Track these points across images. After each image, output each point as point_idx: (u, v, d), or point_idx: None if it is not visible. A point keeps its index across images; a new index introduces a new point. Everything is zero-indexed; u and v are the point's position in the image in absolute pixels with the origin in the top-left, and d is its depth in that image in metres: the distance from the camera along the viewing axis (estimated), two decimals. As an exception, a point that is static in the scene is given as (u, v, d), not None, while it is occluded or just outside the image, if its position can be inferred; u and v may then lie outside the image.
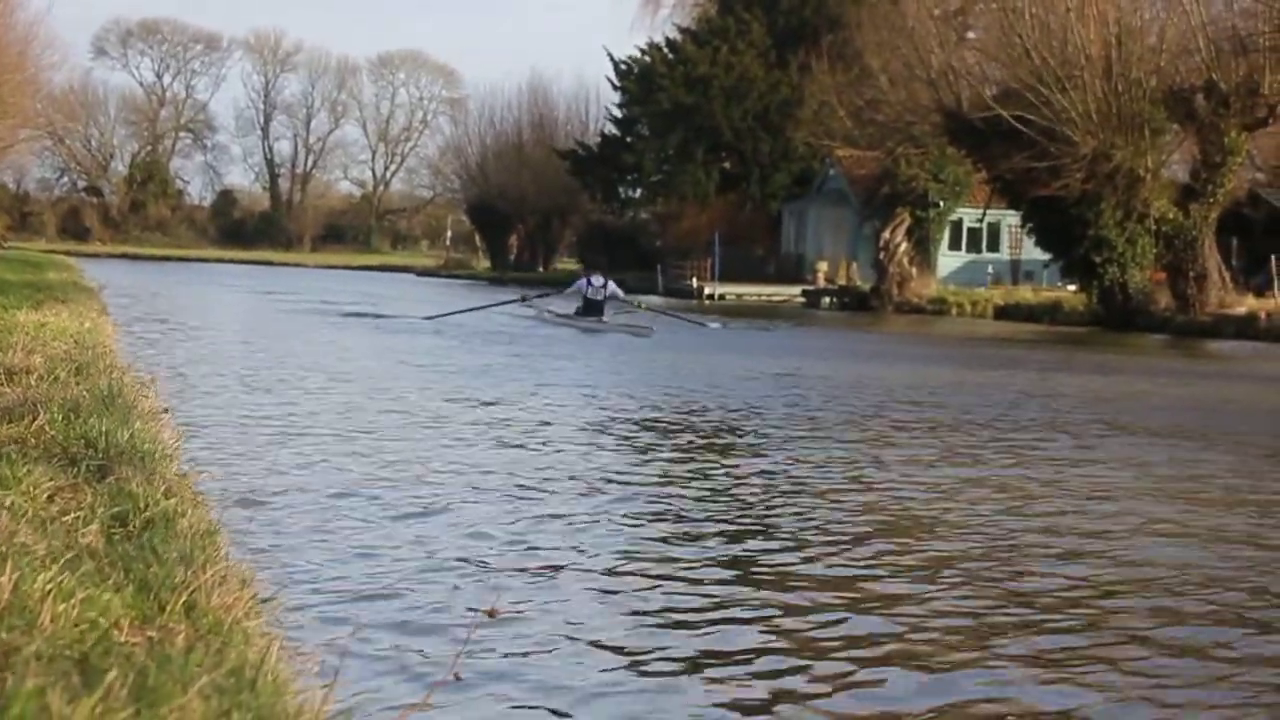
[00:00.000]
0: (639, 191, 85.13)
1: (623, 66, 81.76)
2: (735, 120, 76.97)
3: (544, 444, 12.02)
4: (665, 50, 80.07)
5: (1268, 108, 44.12)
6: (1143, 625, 6.43)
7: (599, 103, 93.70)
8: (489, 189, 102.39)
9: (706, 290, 66.57)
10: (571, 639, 5.83)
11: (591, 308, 33.65)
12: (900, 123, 55.51)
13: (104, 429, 7.21)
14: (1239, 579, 7.53)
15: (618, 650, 5.71)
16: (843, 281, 66.13)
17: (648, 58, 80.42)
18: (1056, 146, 43.90)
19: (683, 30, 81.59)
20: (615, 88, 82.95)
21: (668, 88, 77.63)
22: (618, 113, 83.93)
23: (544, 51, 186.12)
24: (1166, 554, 8.11)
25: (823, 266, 67.75)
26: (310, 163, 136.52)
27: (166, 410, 10.02)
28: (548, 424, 13.47)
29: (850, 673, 5.53)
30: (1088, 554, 8.03)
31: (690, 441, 12.47)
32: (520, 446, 11.80)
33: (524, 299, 36.00)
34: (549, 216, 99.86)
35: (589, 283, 34.42)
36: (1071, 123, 43.88)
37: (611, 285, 34.65)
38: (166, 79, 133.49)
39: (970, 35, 57.21)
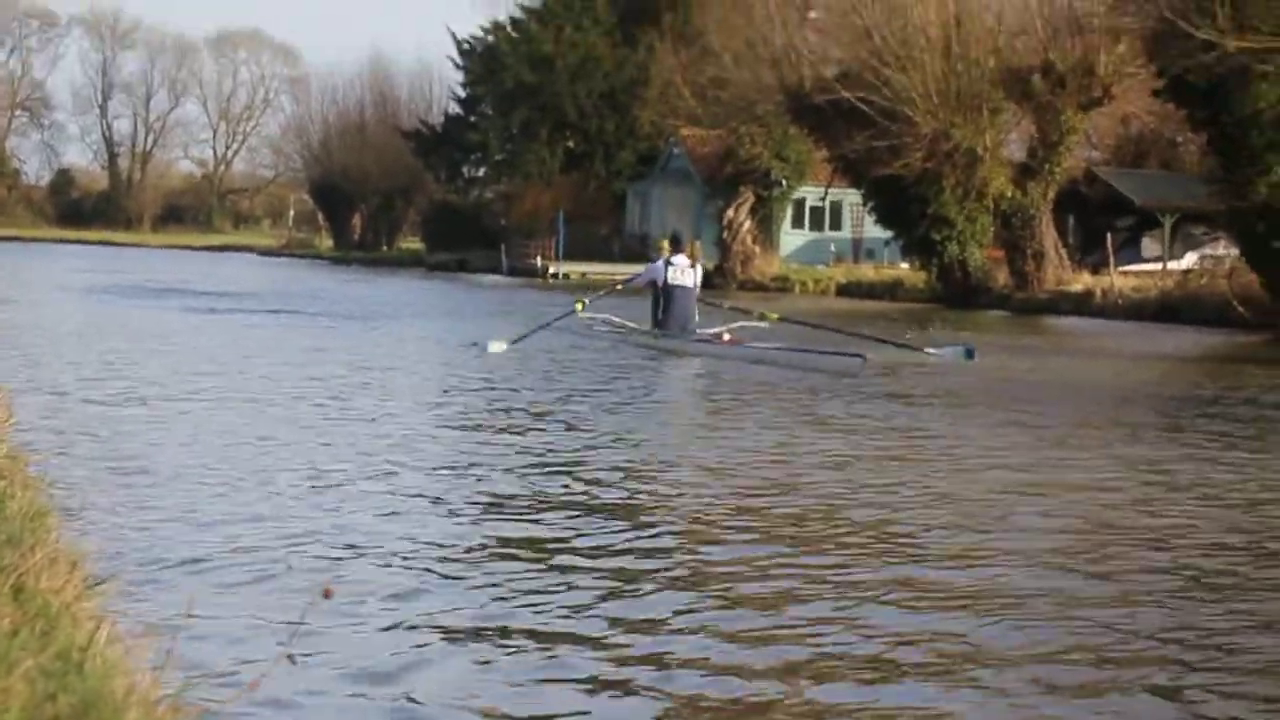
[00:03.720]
0: (483, 171, 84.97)
1: (466, 45, 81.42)
2: (580, 99, 76.86)
3: (391, 423, 11.97)
4: (509, 29, 79.84)
5: (1103, 88, 44.78)
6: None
7: (442, 82, 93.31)
8: (332, 168, 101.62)
9: (551, 269, 66.72)
10: (409, 619, 5.81)
11: (679, 311, 21.76)
12: (743, 102, 55.78)
13: (-69, 412, 7.10)
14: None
15: (456, 629, 5.70)
16: (687, 260, 66.35)
17: (491, 36, 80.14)
18: (897, 126, 44.27)
19: (526, 9, 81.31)
20: (458, 66, 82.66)
21: (511, 66, 77.39)
22: (461, 92, 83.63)
23: (385, 30, 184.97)
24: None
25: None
26: (150, 142, 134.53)
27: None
28: (399, 408, 13.41)
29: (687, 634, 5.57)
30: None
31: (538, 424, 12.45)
32: (367, 425, 11.75)
33: (582, 307, 23.33)
34: (392, 196, 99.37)
35: (668, 264, 22.03)
36: (911, 102, 44.26)
37: (699, 272, 22.78)
38: (1, 56, 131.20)
39: (812, 15, 57.45)
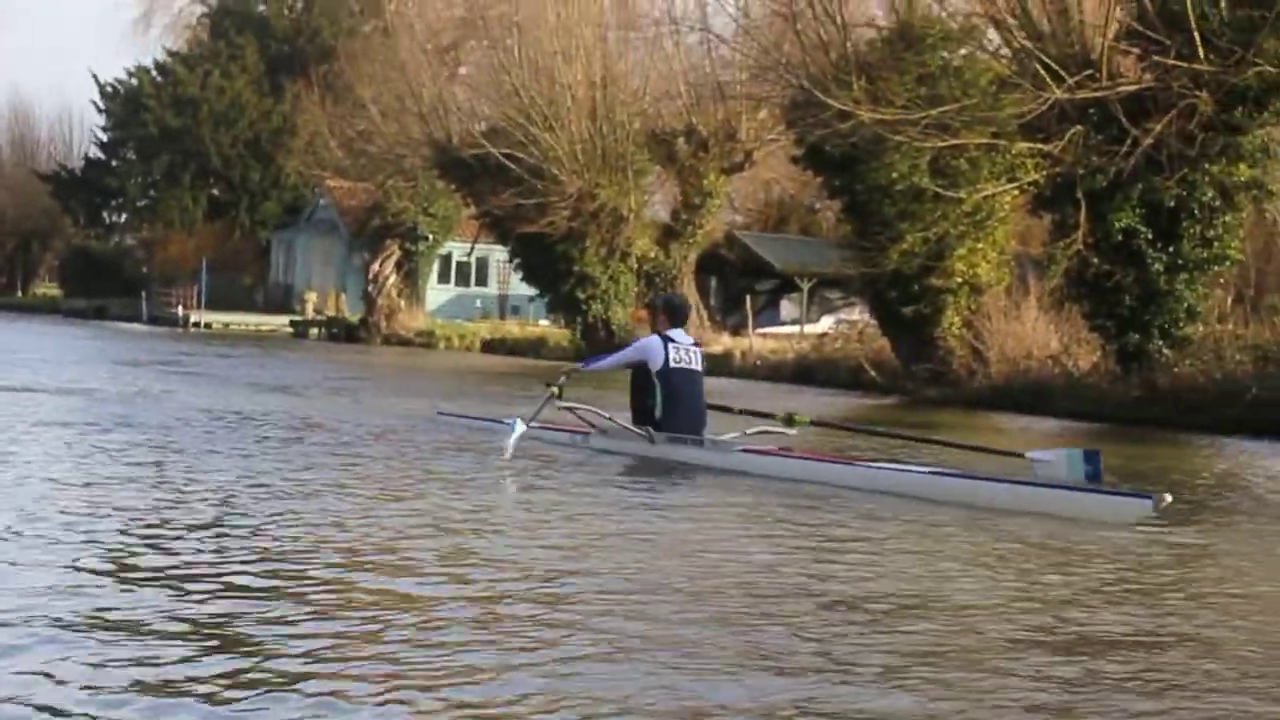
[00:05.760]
0: (124, 216, 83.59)
1: (109, 88, 79.98)
2: (225, 147, 76.12)
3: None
4: (153, 73, 78.65)
5: (744, 153, 45.91)
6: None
7: (84, 125, 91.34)
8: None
9: (193, 319, 65.73)
10: None
11: (687, 406, 14.76)
12: (391, 155, 55.66)
13: None
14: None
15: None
16: (331, 312, 66.08)
17: (135, 80, 78.86)
18: (543, 184, 44.60)
19: (172, 53, 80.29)
20: (100, 110, 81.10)
21: (154, 110, 76.31)
22: (103, 135, 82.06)
23: (25, 69, 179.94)
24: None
25: (311, 297, 67.58)
26: None
27: None
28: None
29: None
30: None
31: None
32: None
33: (552, 393, 15.26)
34: (29, 239, 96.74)
35: (667, 343, 14.87)
36: (558, 161, 44.67)
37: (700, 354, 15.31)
38: None
39: (462, 71, 57.74)
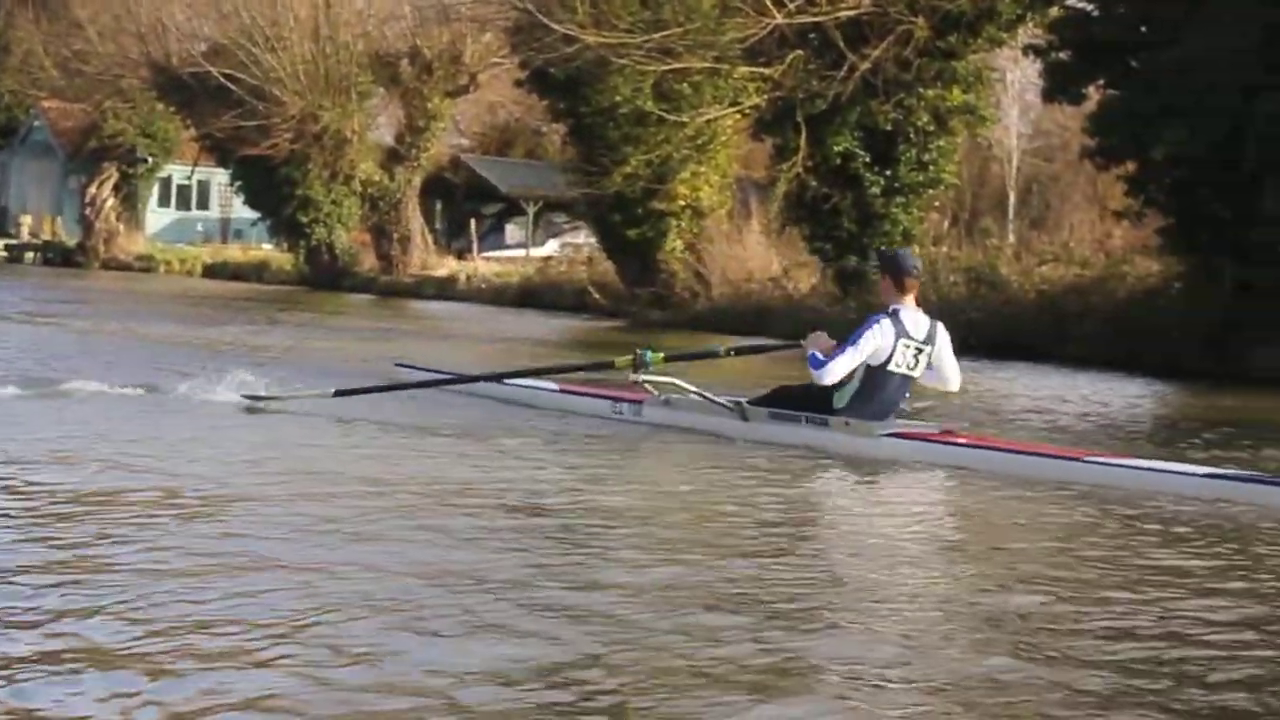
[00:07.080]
0: None
1: None
2: (-66, 64, 73.66)
3: None
4: None
5: (469, 75, 45.66)
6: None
7: None
8: None
9: (-104, 244, 63.78)
10: None
11: (882, 399, 10.65)
12: (109, 75, 54.26)
13: None
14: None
15: None
16: (48, 236, 64.52)
17: None
18: (265, 106, 43.94)
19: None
20: None
21: None
22: None
23: None
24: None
25: (27, 220, 65.90)
26: None
27: None
28: None
29: None
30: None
31: None
32: None
33: (626, 364, 11.51)
34: None
35: (900, 337, 10.56)
36: (280, 83, 44.00)
37: (942, 331, 10.88)
38: None
39: (182, -11, 56.52)
